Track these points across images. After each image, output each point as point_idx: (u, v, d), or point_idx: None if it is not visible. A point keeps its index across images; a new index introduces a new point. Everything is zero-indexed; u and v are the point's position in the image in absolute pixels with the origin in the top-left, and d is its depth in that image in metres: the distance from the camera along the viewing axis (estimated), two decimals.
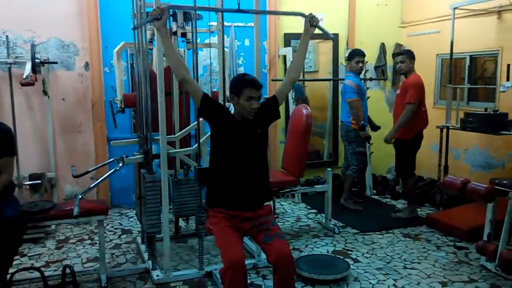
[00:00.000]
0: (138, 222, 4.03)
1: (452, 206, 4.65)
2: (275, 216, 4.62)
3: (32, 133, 4.61)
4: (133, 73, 4.80)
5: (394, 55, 4.87)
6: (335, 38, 5.70)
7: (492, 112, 4.42)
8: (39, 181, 4.30)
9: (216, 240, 2.53)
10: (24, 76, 3.98)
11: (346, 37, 5.82)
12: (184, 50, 4.40)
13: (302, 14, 2.84)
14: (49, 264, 3.59)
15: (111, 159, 3.66)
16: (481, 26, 4.96)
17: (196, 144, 3.47)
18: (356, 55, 4.84)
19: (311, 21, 2.75)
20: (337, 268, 3.32)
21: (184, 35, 3.86)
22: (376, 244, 3.98)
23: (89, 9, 4.65)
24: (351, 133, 4.81)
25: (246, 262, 2.57)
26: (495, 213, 3.38)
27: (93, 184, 3.26)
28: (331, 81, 5.84)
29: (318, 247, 3.91)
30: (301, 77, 5.27)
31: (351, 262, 3.54)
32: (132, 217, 4.75)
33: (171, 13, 3.68)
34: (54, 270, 3.44)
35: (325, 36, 3.06)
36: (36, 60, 4.12)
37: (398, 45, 5.98)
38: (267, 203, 2.73)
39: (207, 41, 4.34)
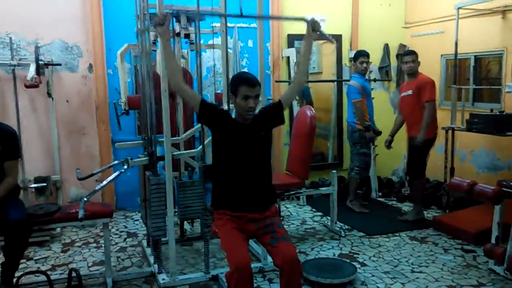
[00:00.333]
0: (143, 225, 4.02)
1: (459, 209, 4.62)
2: (281, 218, 4.59)
3: (36, 136, 4.60)
4: (137, 75, 4.79)
5: (401, 55, 4.80)
6: (338, 39, 5.69)
7: (497, 113, 4.39)
8: (44, 184, 4.29)
9: (222, 243, 2.50)
10: (28, 78, 3.98)
11: (350, 38, 5.80)
12: (187, 51, 4.39)
13: (304, 19, 2.82)
14: (55, 267, 3.58)
15: (116, 162, 3.64)
16: (485, 26, 4.94)
17: (201, 146, 3.46)
18: (360, 55, 4.84)
19: (313, 26, 2.73)
20: (344, 272, 3.29)
21: (187, 36, 3.84)
22: (383, 247, 3.95)
23: (92, 11, 4.64)
24: (356, 134, 4.80)
25: (252, 265, 2.55)
26: (503, 216, 3.35)
27: (98, 187, 3.24)
28: (335, 82, 5.82)
29: (324, 250, 3.89)
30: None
31: (357, 265, 3.52)
32: (137, 220, 4.73)
33: (174, 14, 3.67)
34: (60, 274, 3.42)
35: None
36: (40, 62, 4.11)
37: (402, 46, 5.96)
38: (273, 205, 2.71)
39: (210, 42, 4.32)
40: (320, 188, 4.71)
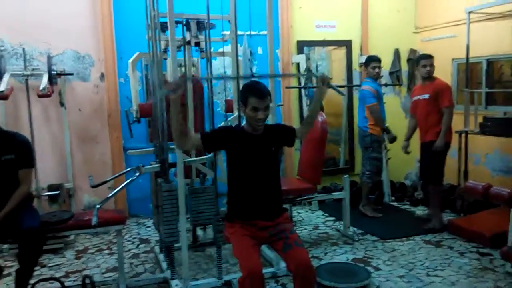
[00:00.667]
0: (156, 231, 4.03)
1: (473, 212, 4.55)
2: (293, 224, 4.57)
3: (49, 144, 4.65)
4: (148, 83, 4.83)
5: (418, 59, 4.64)
6: (348, 44, 5.69)
7: (511, 116, 4.34)
8: (58, 192, 4.33)
9: (234, 250, 2.50)
10: (41, 88, 4.04)
11: (360, 44, 5.79)
12: (198, 59, 4.41)
13: (314, 75, 2.81)
14: (69, 274, 3.59)
15: (128, 169, 3.67)
16: (497, 30, 4.90)
17: (212, 153, 3.46)
18: (372, 61, 4.84)
19: (323, 81, 2.71)
20: (358, 277, 3.26)
21: (197, 44, 3.87)
22: (397, 251, 3.90)
23: (104, 20, 4.71)
24: (367, 138, 4.78)
25: (265, 271, 2.54)
26: None
27: (111, 194, 3.26)
28: (346, 87, 5.80)
29: (337, 255, 3.86)
30: (314, 84, 5.24)
31: (372, 270, 3.48)
32: (149, 226, 4.75)
33: (185, 31, 3.70)
34: (74, 281, 3.44)
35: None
36: (53, 72, 4.19)
37: (413, 51, 5.93)
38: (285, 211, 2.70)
39: (220, 50, 4.35)
40: (332, 193, 4.68)
